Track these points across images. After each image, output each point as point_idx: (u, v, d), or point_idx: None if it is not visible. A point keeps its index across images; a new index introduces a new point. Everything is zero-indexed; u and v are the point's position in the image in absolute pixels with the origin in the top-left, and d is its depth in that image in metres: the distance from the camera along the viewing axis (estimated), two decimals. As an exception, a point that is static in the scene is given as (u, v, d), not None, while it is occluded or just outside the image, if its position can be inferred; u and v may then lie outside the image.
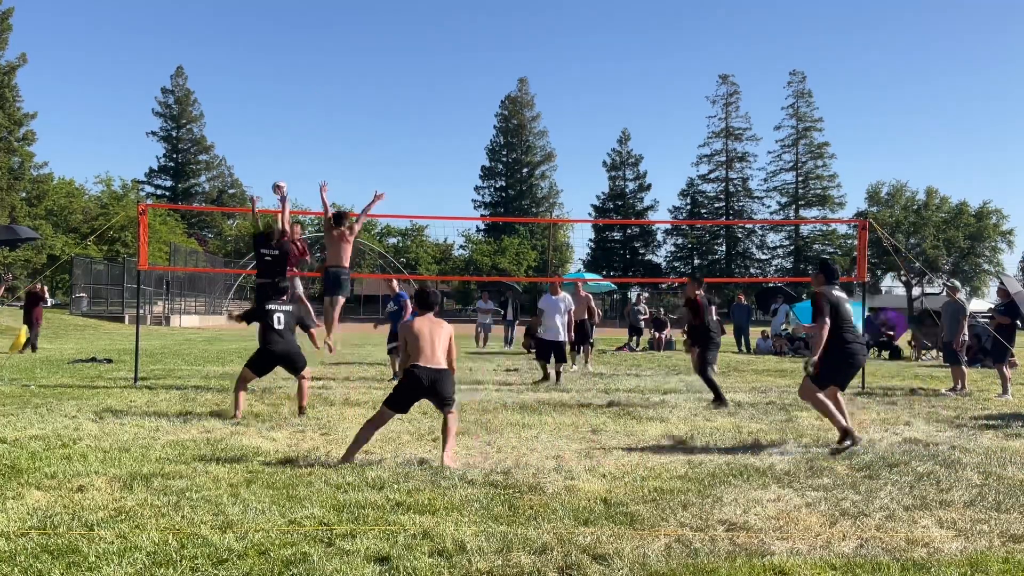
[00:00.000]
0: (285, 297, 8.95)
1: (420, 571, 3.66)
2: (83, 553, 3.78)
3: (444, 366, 5.99)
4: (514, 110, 77.29)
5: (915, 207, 69.62)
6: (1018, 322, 12.69)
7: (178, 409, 8.54)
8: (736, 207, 75.18)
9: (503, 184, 78.03)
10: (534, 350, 14.03)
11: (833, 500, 5.05)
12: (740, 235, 74.41)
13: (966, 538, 4.30)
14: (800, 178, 74.09)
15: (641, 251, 76.49)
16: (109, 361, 14.76)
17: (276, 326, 8.23)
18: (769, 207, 74.84)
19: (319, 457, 6.11)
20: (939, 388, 12.18)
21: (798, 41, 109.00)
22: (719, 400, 9.54)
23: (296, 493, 4.98)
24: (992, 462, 6.29)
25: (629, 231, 76.19)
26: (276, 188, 10.11)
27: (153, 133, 76.47)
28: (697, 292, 10.08)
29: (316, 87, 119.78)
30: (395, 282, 14.40)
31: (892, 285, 72.69)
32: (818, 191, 73.33)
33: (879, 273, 68.29)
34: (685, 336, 10.82)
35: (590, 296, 16.00)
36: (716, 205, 75.52)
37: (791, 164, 74.42)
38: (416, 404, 6.23)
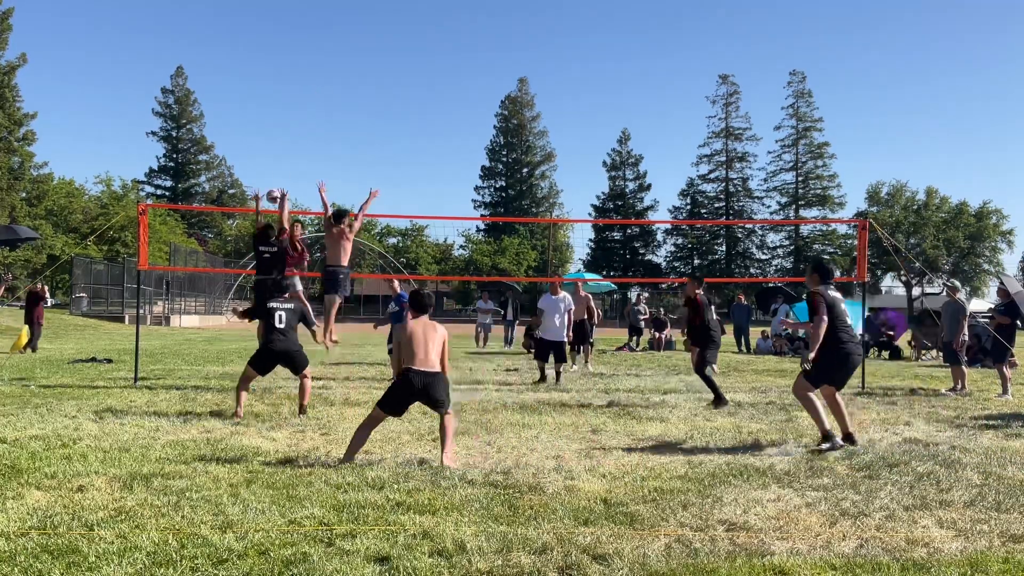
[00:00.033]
0: (287, 295, 8.97)
1: (420, 571, 3.66)
2: (83, 553, 3.78)
3: (437, 369, 5.98)
4: (514, 110, 77.30)
5: (915, 207, 69.64)
6: (1018, 322, 12.69)
7: (178, 409, 8.53)
8: (736, 207, 75.19)
9: (503, 184, 78.04)
10: (534, 350, 14.02)
11: (833, 500, 5.05)
12: (740, 235, 74.42)
13: (966, 538, 4.30)
14: (800, 178, 74.10)
15: (641, 251, 76.50)
16: (109, 361, 14.76)
17: (277, 324, 8.23)
18: (769, 207, 74.97)
19: (319, 457, 6.11)
20: (939, 388, 12.18)
21: (798, 41, 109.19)
22: (718, 400, 9.54)
23: (296, 493, 4.98)
24: (992, 462, 6.29)
25: (629, 231, 76.19)
26: (271, 198, 10.32)
27: (153, 133, 76.65)
28: (697, 292, 10.09)
29: (316, 87, 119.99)
30: (396, 283, 14.40)
31: (892, 285, 72.79)
32: (818, 191, 73.34)
33: (879, 273, 68.31)
34: (685, 336, 10.82)
35: (589, 296, 15.99)
36: (716, 205, 75.53)
37: (791, 164, 74.44)
38: (415, 404, 6.23)
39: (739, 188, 75.45)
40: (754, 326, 24.28)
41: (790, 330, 22.12)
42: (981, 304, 48.71)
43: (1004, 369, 11.47)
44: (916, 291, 67.65)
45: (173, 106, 75.77)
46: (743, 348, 22.60)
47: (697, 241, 75.73)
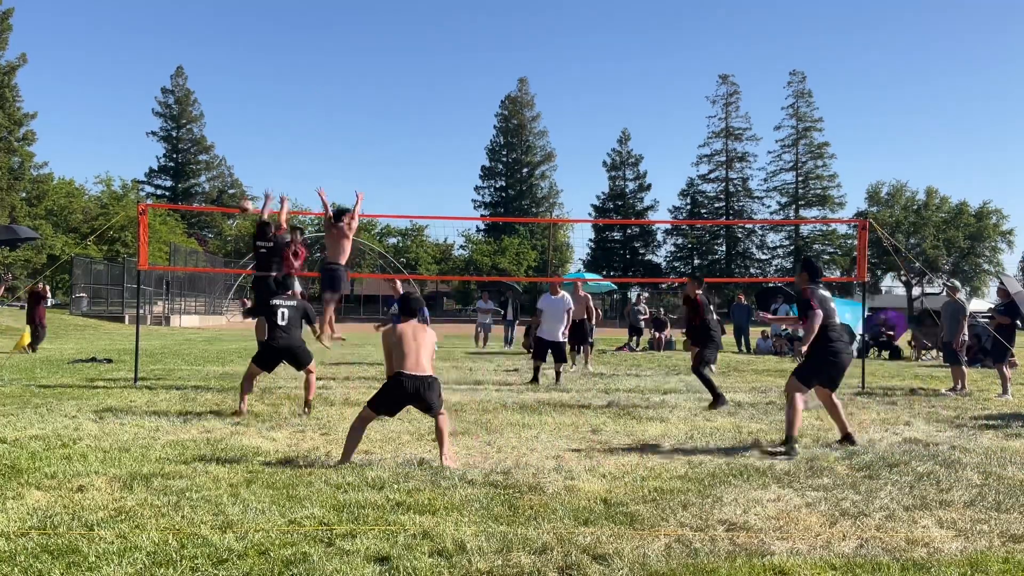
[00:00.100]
0: (290, 293, 9.01)
1: (420, 571, 3.66)
2: (83, 553, 3.78)
3: (429, 373, 5.97)
4: (514, 110, 77.30)
5: (915, 207, 69.66)
6: (1018, 322, 12.69)
7: (178, 409, 8.53)
8: (736, 207, 75.18)
9: (503, 184, 78.04)
10: (532, 350, 14.01)
11: (833, 500, 5.05)
12: (740, 235, 74.43)
13: (966, 538, 4.30)
14: (800, 178, 74.11)
15: (641, 251, 76.50)
16: (109, 361, 14.76)
17: (280, 322, 8.26)
18: (769, 207, 74.99)
19: (319, 457, 6.11)
20: (939, 388, 12.18)
21: (798, 41, 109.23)
22: (716, 400, 9.49)
23: (296, 493, 4.98)
24: (992, 462, 6.29)
25: (629, 231, 76.19)
26: (268, 197, 10.59)
27: (153, 133, 76.66)
28: (697, 292, 10.08)
29: (316, 87, 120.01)
30: (398, 283, 14.41)
31: (892, 285, 72.79)
32: (818, 191, 73.35)
33: (879, 273, 68.30)
34: (685, 336, 10.82)
35: (589, 296, 15.98)
36: (716, 205, 75.54)
37: (791, 164, 74.45)
38: (411, 405, 6.24)
39: (739, 188, 75.46)
40: (754, 326, 24.27)
41: (789, 329, 22.12)
42: (981, 304, 48.68)
43: (1004, 369, 11.47)
44: (916, 291, 67.66)
45: (173, 106, 75.78)
46: (743, 348, 22.60)
47: (697, 241, 75.73)
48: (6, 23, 40.96)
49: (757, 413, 9.08)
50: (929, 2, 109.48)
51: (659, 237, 76.53)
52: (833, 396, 7.07)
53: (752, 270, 73.54)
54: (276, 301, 8.42)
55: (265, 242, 10.09)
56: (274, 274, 9.93)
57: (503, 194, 77.63)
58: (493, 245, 68.07)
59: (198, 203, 73.89)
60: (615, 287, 57.94)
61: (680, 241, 76.47)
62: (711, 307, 10.28)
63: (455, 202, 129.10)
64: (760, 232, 73.85)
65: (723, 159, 75.37)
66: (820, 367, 6.94)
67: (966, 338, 12.11)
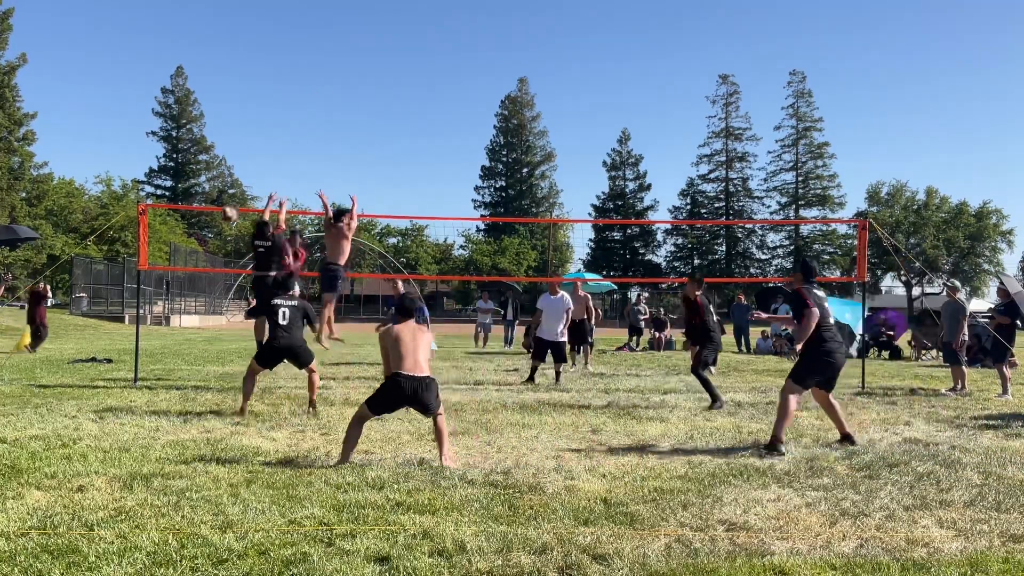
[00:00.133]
0: (291, 292, 9.04)
1: (420, 571, 3.66)
2: (83, 553, 3.78)
3: (427, 374, 5.97)
4: (514, 110, 77.32)
5: (915, 207, 69.68)
6: (1018, 322, 12.69)
7: (178, 409, 8.54)
8: (736, 207, 75.19)
9: (503, 184, 78.05)
10: (532, 349, 14.01)
11: (833, 500, 5.06)
12: (740, 235, 74.44)
13: (966, 538, 4.30)
14: (800, 178, 74.12)
15: (641, 251, 76.51)
16: (109, 361, 14.76)
17: (281, 321, 8.28)
18: (769, 207, 75.01)
19: (319, 457, 6.12)
20: (939, 388, 12.18)
21: (798, 41, 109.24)
22: (714, 400, 9.48)
23: (296, 493, 4.98)
24: (992, 462, 6.29)
25: (629, 231, 76.20)
26: (270, 198, 10.66)
27: (153, 133, 76.68)
28: (696, 293, 10.08)
29: (316, 87, 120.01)
30: (400, 283, 14.41)
31: (892, 285, 72.82)
32: (818, 191, 73.36)
33: (879, 273, 68.32)
34: (685, 336, 10.82)
35: (588, 296, 15.98)
36: (716, 205, 75.55)
37: (791, 164, 74.46)
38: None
39: (739, 188, 75.47)
40: (754, 326, 24.28)
41: (789, 329, 22.11)
42: (981, 304, 48.68)
43: (1004, 369, 11.47)
44: (916, 291, 67.67)
45: (173, 106, 75.79)
46: (743, 348, 22.59)
47: (697, 241, 75.74)
48: (6, 23, 40.95)
49: (757, 413, 9.08)
50: (929, 2, 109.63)
51: (659, 237, 76.69)
52: (831, 397, 7.07)
53: (752, 270, 73.55)
54: (277, 301, 8.46)
55: (263, 241, 10.12)
56: (273, 273, 9.96)
57: (503, 194, 77.64)
58: (493, 245, 68.07)
59: (198, 203, 73.91)
60: (615, 287, 57.91)
61: (680, 241, 76.51)
62: (711, 308, 10.27)
63: (455, 202, 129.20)
64: (760, 232, 73.88)
65: (723, 159, 75.40)
66: (815, 367, 6.94)
67: (966, 338, 12.11)
